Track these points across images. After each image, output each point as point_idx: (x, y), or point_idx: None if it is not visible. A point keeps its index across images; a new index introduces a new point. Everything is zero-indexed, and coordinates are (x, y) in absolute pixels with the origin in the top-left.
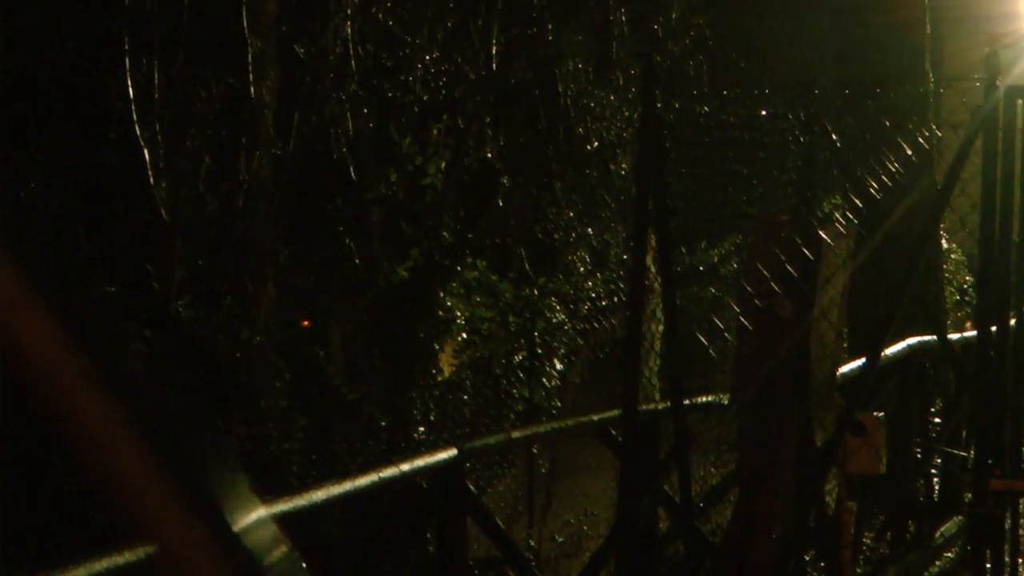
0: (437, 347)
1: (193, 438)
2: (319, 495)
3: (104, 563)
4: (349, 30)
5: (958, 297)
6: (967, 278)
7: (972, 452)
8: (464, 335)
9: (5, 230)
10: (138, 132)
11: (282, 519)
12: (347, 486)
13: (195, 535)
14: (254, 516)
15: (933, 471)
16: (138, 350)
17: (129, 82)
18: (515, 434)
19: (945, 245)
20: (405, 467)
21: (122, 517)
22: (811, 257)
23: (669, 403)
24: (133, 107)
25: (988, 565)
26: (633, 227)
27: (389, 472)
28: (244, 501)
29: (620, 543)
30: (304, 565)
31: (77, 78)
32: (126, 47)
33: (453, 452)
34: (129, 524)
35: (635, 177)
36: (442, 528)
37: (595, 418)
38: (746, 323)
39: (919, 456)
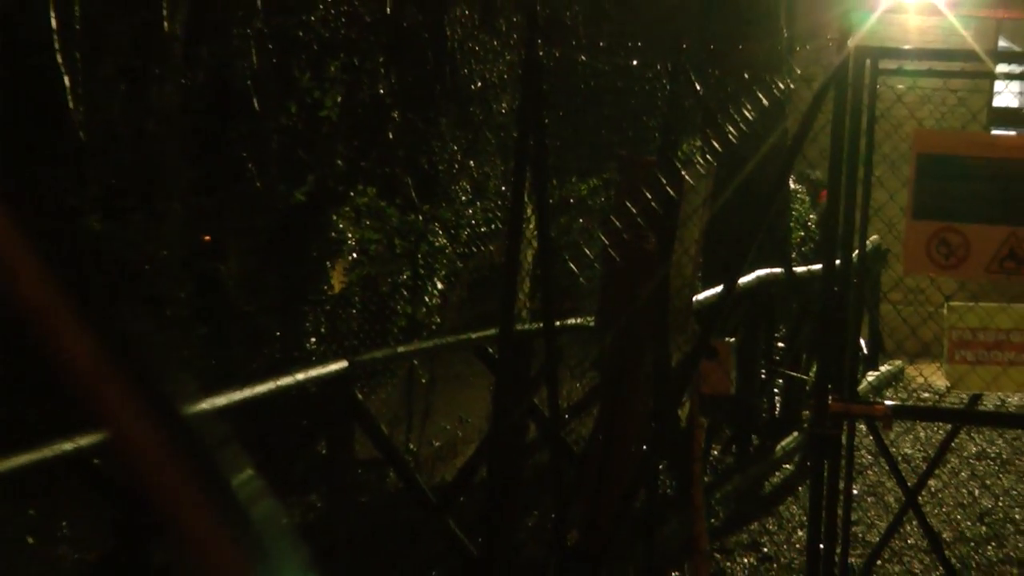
0: (329, 265)
1: (144, 342)
2: (221, 401)
3: (68, 445)
4: None
5: (803, 233)
6: (811, 216)
7: (812, 376)
8: (354, 255)
9: None
10: (59, 60)
11: None
12: (247, 393)
13: (145, 422)
14: (198, 408)
15: (776, 391)
16: (50, 259)
17: (52, 13)
18: (400, 349)
19: (794, 187)
20: (300, 376)
21: (83, 406)
22: (674, 195)
23: (541, 324)
24: (55, 37)
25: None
26: (514, 163)
27: (285, 381)
28: (190, 396)
29: (493, 450)
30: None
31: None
32: None
33: (344, 364)
34: (89, 412)
35: (517, 118)
36: (332, 433)
37: (473, 336)
38: (613, 254)
39: (764, 377)
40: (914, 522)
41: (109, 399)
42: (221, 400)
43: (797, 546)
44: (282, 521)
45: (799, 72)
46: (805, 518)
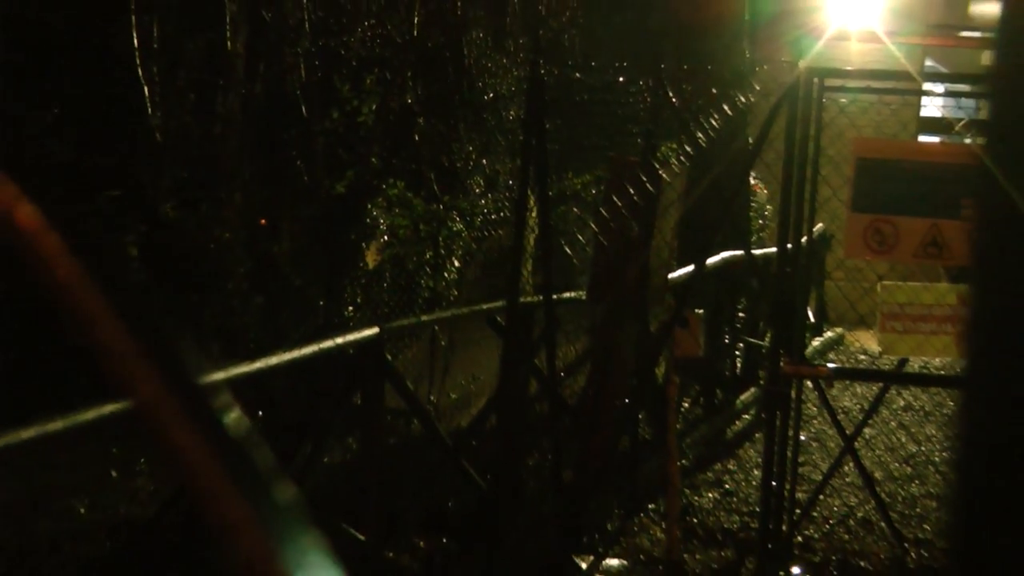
0: (364, 246)
1: (164, 320)
2: (274, 360)
3: (91, 413)
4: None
5: (760, 222)
6: (768, 207)
7: (767, 342)
8: (385, 238)
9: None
10: (140, 72)
11: (245, 378)
12: (295, 354)
13: (165, 393)
14: (211, 380)
15: (737, 354)
16: (134, 242)
17: (134, 33)
18: (424, 317)
19: (753, 182)
20: (339, 340)
21: (109, 377)
22: (654, 191)
23: (541, 297)
24: (137, 53)
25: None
26: (520, 161)
27: (327, 344)
28: (204, 370)
29: (501, 402)
30: (247, 419)
31: (92, 28)
32: (132, 6)
33: (376, 330)
34: (114, 383)
35: (522, 124)
36: (365, 388)
37: (485, 307)
38: (602, 240)
39: (727, 343)
40: (851, 464)
41: (135, 371)
42: (274, 360)
43: (753, 483)
44: (300, 502)
45: (758, 88)
46: (760, 460)
